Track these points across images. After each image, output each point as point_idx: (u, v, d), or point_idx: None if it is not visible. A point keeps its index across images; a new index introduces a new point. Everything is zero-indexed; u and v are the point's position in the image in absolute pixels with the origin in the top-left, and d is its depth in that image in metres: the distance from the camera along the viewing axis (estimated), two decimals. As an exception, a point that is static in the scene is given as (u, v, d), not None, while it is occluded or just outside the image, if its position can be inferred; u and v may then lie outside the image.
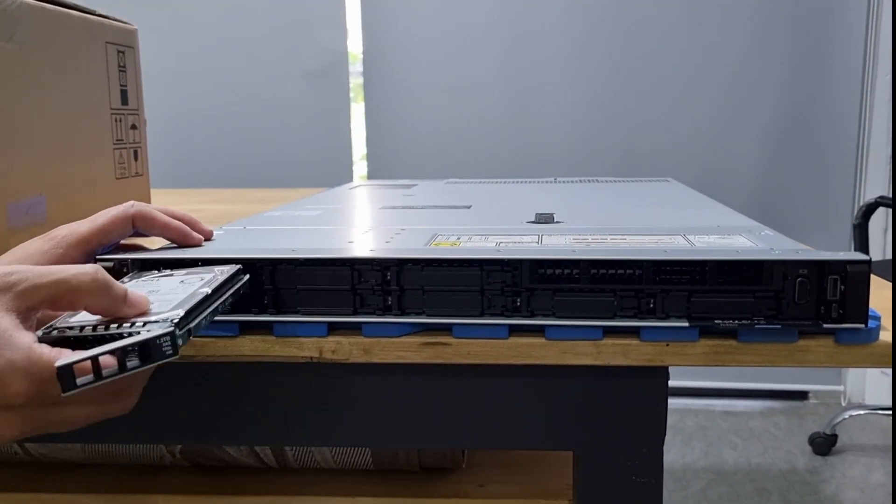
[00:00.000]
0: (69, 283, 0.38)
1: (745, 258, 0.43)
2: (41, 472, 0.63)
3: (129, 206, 0.49)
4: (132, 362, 0.35)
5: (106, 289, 0.38)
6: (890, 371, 2.22)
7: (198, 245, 0.51)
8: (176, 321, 0.36)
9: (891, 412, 2.15)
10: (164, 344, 0.35)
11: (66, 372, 0.33)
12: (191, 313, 0.38)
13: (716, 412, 2.28)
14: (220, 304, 0.41)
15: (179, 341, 0.36)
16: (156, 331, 0.35)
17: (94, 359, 0.34)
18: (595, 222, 0.61)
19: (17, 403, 0.35)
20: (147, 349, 0.35)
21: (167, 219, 0.50)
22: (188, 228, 0.51)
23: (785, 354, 0.44)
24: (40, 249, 0.45)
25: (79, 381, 0.34)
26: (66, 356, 0.34)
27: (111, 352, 0.34)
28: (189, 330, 0.37)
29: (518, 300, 0.45)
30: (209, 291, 0.40)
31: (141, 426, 0.50)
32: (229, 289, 0.42)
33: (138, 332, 0.36)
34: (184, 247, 0.50)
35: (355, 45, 2.27)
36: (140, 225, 0.49)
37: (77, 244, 0.46)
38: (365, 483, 0.61)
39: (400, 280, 0.45)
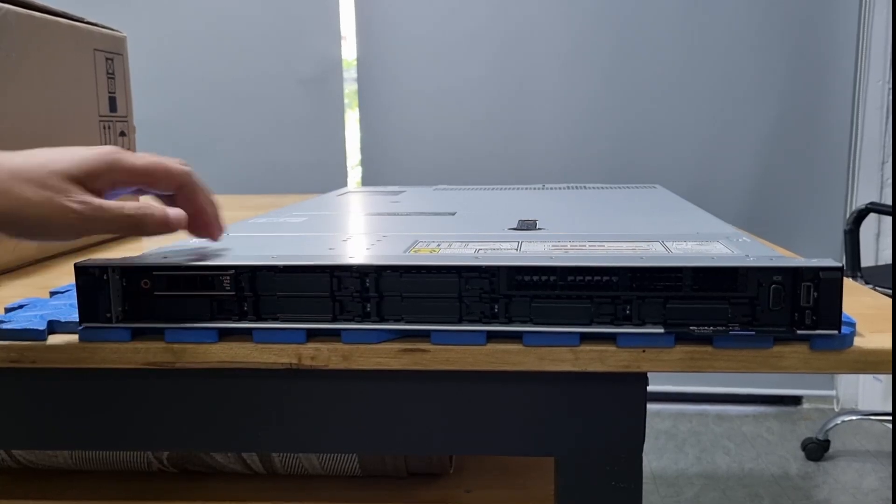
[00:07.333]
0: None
1: (719, 265, 0.44)
2: (29, 479, 0.63)
3: (186, 173, 0.49)
4: None
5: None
6: (882, 376, 2.23)
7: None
8: None
9: (883, 418, 2.16)
10: None
11: None
12: None
13: (709, 417, 2.29)
14: None
15: None
16: None
17: None
18: (576, 229, 0.61)
19: None
20: None
21: (204, 205, 0.50)
22: (216, 223, 0.51)
23: (760, 361, 0.44)
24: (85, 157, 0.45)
25: None
26: None
27: None
28: None
29: (496, 307, 0.45)
30: None
31: (123, 432, 0.50)
32: None
33: None
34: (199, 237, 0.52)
35: (350, 51, 2.28)
36: (181, 197, 0.49)
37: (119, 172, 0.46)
38: (352, 489, 0.61)
39: (379, 287, 0.45)
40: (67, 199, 0.43)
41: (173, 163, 0.49)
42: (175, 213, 0.48)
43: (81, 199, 0.44)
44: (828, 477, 1.91)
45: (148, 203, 0.47)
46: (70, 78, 0.74)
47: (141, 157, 0.47)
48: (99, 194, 0.46)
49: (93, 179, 0.45)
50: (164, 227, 0.47)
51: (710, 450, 2.07)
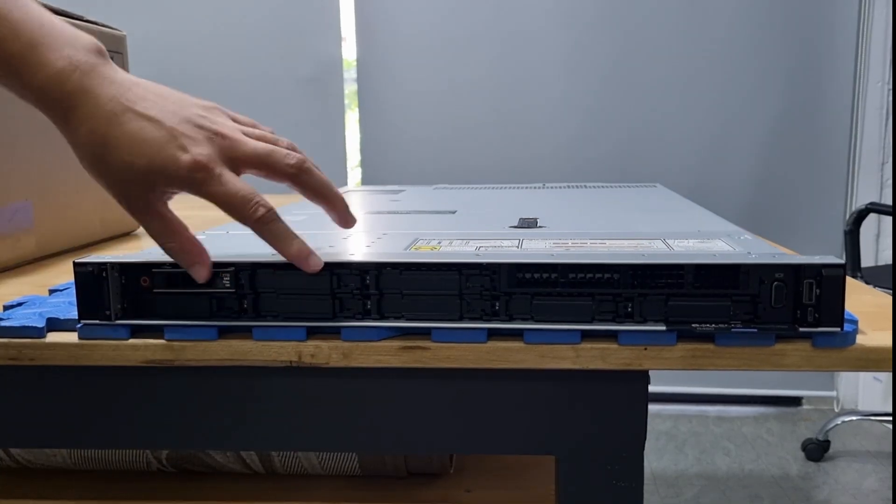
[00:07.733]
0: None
1: (721, 262, 0.43)
2: (27, 478, 0.63)
3: (261, 219, 0.46)
4: None
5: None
6: (882, 376, 2.23)
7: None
8: None
9: (883, 418, 2.16)
10: None
11: None
12: None
13: (709, 418, 2.29)
14: None
15: None
16: None
17: None
18: (577, 227, 0.61)
19: None
20: None
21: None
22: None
23: (762, 358, 0.44)
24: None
25: None
26: None
27: None
28: None
29: (497, 304, 0.45)
30: None
31: (122, 431, 0.50)
32: None
33: None
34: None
35: (350, 51, 2.28)
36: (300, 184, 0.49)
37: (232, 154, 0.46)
38: (352, 488, 0.61)
39: (379, 284, 0.45)
40: (125, 201, 0.45)
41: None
42: (204, 274, 0.45)
43: (137, 209, 0.45)
44: (828, 478, 1.91)
45: (197, 247, 0.45)
46: (69, 76, 0.73)
47: (226, 184, 0.44)
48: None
49: (164, 188, 0.45)
50: (190, 271, 0.45)
51: (710, 450, 2.07)
